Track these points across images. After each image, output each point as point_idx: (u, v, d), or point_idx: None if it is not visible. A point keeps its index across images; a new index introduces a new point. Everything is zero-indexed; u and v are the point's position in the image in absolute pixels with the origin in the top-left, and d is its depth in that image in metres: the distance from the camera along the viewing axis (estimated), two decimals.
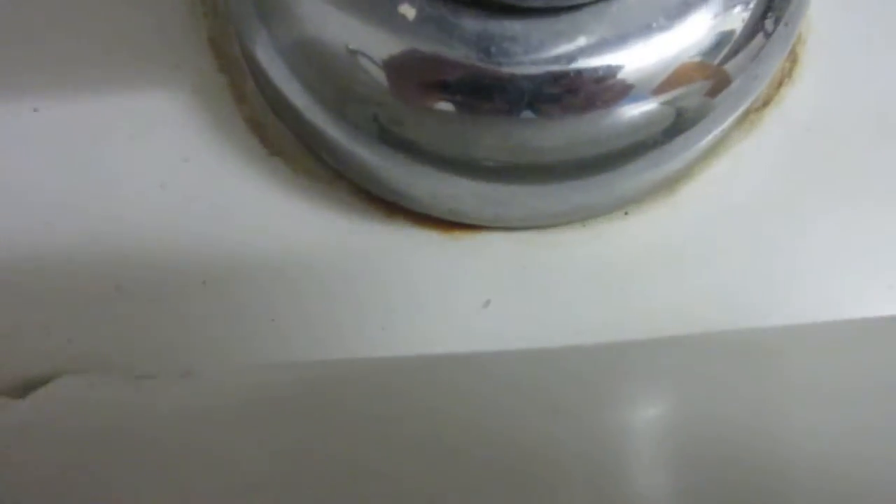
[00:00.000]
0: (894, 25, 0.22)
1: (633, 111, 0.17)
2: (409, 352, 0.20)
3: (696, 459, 0.14)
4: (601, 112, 0.17)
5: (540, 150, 0.17)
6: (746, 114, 0.20)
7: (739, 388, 0.15)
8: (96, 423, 0.13)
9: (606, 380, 0.15)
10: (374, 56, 0.17)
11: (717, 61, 0.17)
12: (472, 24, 0.16)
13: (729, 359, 0.16)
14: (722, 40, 0.17)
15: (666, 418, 0.14)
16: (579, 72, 0.16)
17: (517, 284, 0.20)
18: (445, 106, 0.17)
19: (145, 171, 0.21)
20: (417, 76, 0.17)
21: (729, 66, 0.17)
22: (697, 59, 0.17)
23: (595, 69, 0.16)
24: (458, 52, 0.16)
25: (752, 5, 0.17)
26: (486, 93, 0.17)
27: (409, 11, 0.16)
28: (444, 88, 0.17)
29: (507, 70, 0.16)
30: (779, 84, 0.21)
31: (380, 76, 0.17)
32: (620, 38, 0.16)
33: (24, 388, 0.18)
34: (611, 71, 0.16)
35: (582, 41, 0.16)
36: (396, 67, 0.17)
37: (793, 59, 0.21)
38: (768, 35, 0.17)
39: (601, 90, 0.17)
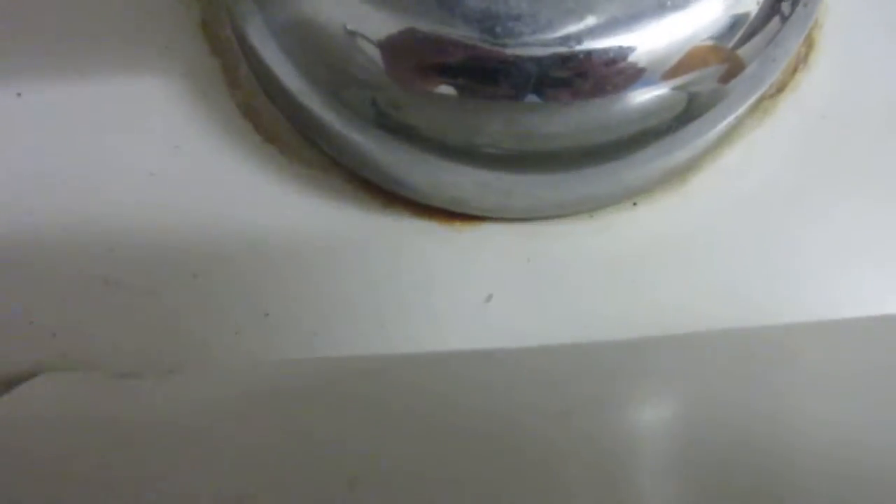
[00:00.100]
0: None
1: (643, 96, 0.16)
2: (408, 348, 0.19)
3: (706, 462, 0.13)
4: (610, 97, 0.16)
5: (546, 136, 0.16)
6: (760, 100, 0.19)
7: (751, 388, 0.14)
8: (76, 422, 0.13)
9: (614, 380, 0.14)
10: (372, 37, 0.16)
11: (731, 45, 0.16)
12: (475, 2, 0.15)
13: (741, 358, 0.15)
14: (736, 22, 0.16)
15: (676, 420, 0.13)
16: (588, 53, 0.16)
17: (521, 278, 0.19)
18: (447, 89, 0.16)
19: (134, 159, 0.20)
20: (417, 58, 0.16)
21: (743, 50, 0.16)
22: (710, 42, 0.16)
23: (605, 51, 0.16)
24: (460, 32, 0.16)
25: None
26: (490, 75, 0.16)
27: None
28: (445, 71, 0.16)
29: (511, 51, 0.15)
30: (794, 69, 0.20)
31: (378, 58, 0.16)
32: (632, 18, 0.15)
33: (7, 383, 0.18)
34: (621, 53, 0.16)
35: (591, 21, 0.15)
36: (395, 49, 0.16)
37: (809, 43, 0.20)
38: (785, 18, 0.17)
39: (611, 73, 0.16)
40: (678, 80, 0.16)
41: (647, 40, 0.16)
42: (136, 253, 0.19)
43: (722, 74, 0.16)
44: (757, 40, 0.16)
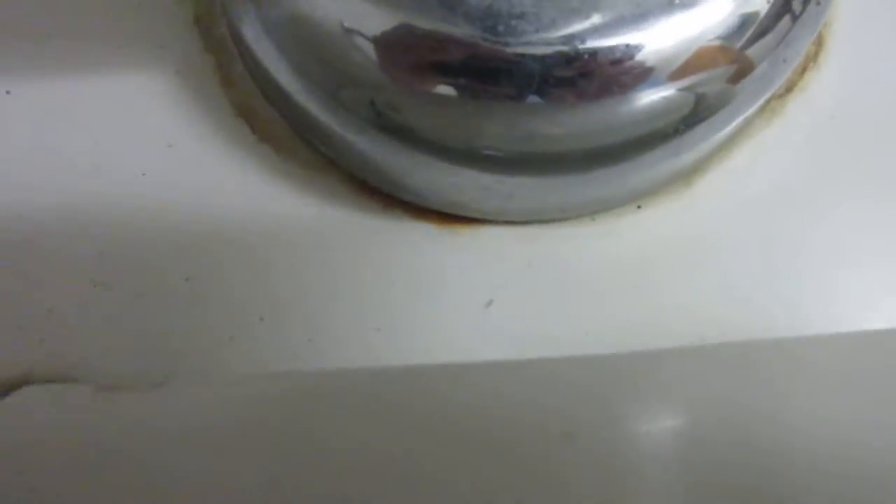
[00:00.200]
0: None
1: (649, 97, 0.15)
2: (405, 355, 0.18)
3: (712, 487, 0.13)
4: (615, 98, 0.15)
5: (549, 138, 0.16)
6: (768, 100, 0.19)
7: (757, 407, 0.14)
8: (59, 437, 0.12)
9: (618, 399, 0.13)
10: (370, 34, 0.16)
11: (740, 45, 0.16)
12: None
13: (745, 375, 0.15)
14: (746, 22, 0.16)
15: (680, 441, 0.13)
16: (593, 53, 0.15)
17: (522, 282, 0.19)
18: (447, 89, 0.16)
19: (126, 159, 0.19)
20: (416, 56, 0.16)
21: (753, 50, 0.16)
22: (719, 42, 0.16)
23: (610, 50, 0.15)
24: (460, 30, 0.15)
25: None
26: (491, 75, 0.15)
27: None
28: (444, 70, 0.15)
29: (513, 50, 0.15)
30: (803, 69, 0.20)
31: (376, 56, 0.16)
32: (638, 17, 0.15)
33: None
34: (627, 52, 0.15)
35: (597, 19, 0.15)
36: (394, 47, 0.16)
37: (818, 42, 0.20)
38: (796, 17, 0.16)
39: (616, 73, 0.15)
40: (685, 81, 0.16)
41: (654, 40, 0.15)
42: (127, 255, 0.19)
43: (730, 75, 0.16)
44: (767, 40, 0.16)
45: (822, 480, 0.14)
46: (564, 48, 0.15)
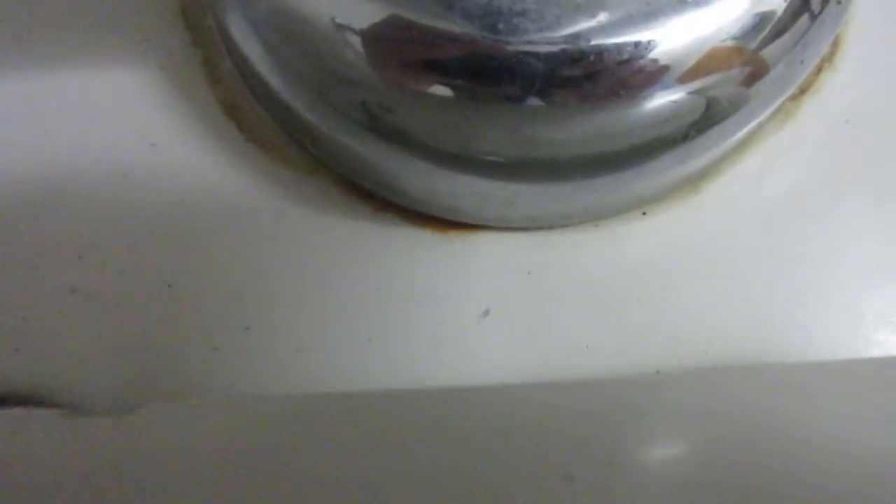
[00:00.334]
0: None
1: (658, 100, 0.15)
2: (397, 366, 0.18)
3: None
4: (622, 101, 0.15)
5: (551, 143, 0.15)
6: (781, 102, 0.18)
7: (761, 439, 0.13)
8: (24, 465, 0.11)
9: (619, 434, 0.13)
10: (363, 31, 0.15)
11: (754, 45, 0.15)
12: None
13: (750, 401, 0.14)
14: (762, 20, 0.15)
15: (683, 472, 0.12)
16: (599, 53, 0.14)
17: (520, 291, 0.18)
18: (442, 90, 0.15)
19: (106, 158, 0.18)
20: (411, 55, 0.15)
21: (768, 51, 0.15)
22: (733, 42, 0.15)
23: (617, 50, 0.14)
24: (458, 28, 0.14)
25: None
26: (490, 75, 0.14)
27: None
28: (441, 69, 0.15)
29: (514, 48, 0.14)
30: (818, 70, 0.19)
31: (368, 54, 0.15)
32: (647, 15, 0.14)
33: None
34: (635, 53, 0.14)
35: (603, 17, 0.14)
36: (387, 44, 0.15)
37: (835, 42, 0.19)
38: (815, 16, 0.15)
39: (623, 75, 0.14)
40: (696, 84, 0.15)
41: (664, 39, 0.14)
42: (106, 260, 0.18)
43: (744, 77, 0.15)
44: (784, 40, 0.15)
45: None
46: (568, 47, 0.14)
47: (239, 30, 0.16)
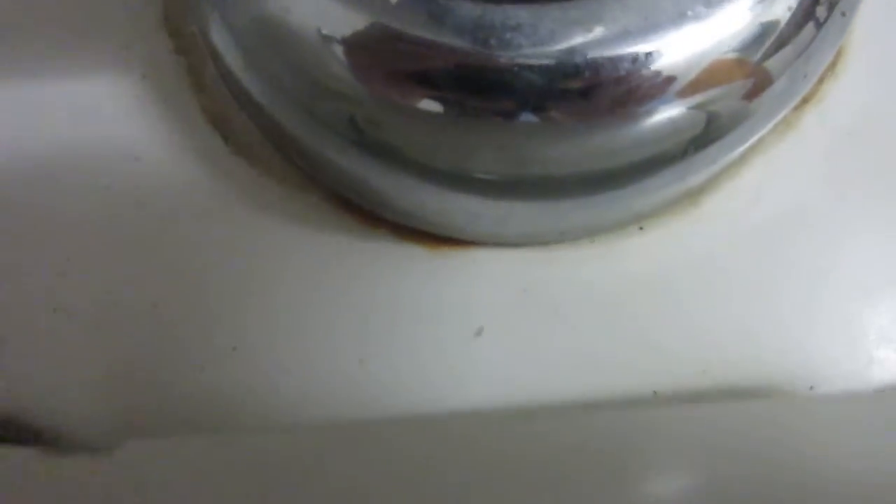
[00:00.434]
0: None
1: (656, 116, 0.14)
2: (389, 387, 0.17)
3: None
4: (618, 117, 0.14)
5: (545, 161, 0.14)
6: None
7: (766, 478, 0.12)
8: None
9: (620, 477, 0.12)
10: (350, 43, 0.14)
11: (757, 57, 0.14)
12: (468, 7, 0.13)
13: (753, 441, 0.13)
14: (764, 32, 0.14)
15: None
16: (594, 67, 0.14)
17: (515, 309, 0.18)
18: (432, 105, 0.14)
19: (87, 171, 0.18)
20: (400, 68, 0.14)
21: (771, 64, 0.14)
22: (734, 54, 0.14)
23: (613, 64, 0.14)
24: (449, 41, 0.14)
25: None
26: (482, 90, 0.14)
27: None
28: (430, 83, 0.14)
29: (506, 62, 0.13)
30: (820, 79, 0.18)
31: (356, 68, 0.14)
32: (645, 29, 0.13)
33: None
34: (632, 67, 0.14)
35: (599, 31, 0.13)
36: (376, 57, 0.14)
37: (837, 51, 0.18)
38: (820, 25, 0.15)
39: (619, 90, 0.14)
40: (697, 98, 0.14)
41: (662, 53, 0.14)
42: (88, 278, 0.17)
43: (747, 91, 0.15)
44: (787, 52, 0.14)
45: None
46: (564, 61, 0.13)
47: (221, 40, 0.16)
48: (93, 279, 0.17)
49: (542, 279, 0.18)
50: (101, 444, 0.17)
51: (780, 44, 0.14)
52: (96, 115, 0.18)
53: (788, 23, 0.14)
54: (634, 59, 0.14)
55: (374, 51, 0.14)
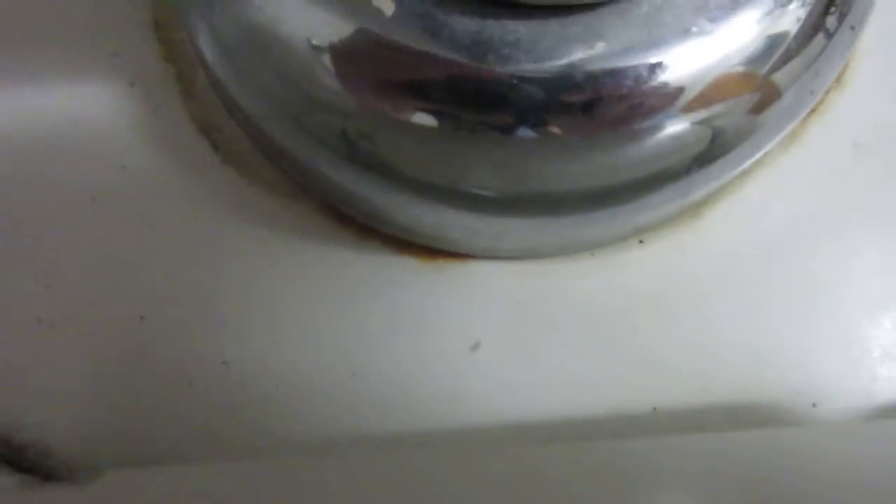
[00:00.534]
0: None
1: (659, 132, 0.14)
2: (383, 402, 0.17)
3: None
4: (620, 133, 0.14)
5: (543, 177, 0.14)
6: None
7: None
8: None
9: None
10: (342, 55, 0.14)
11: (764, 71, 0.14)
12: (465, 21, 0.13)
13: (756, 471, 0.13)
14: (772, 44, 0.14)
15: None
16: (594, 81, 0.13)
17: (512, 323, 0.17)
18: (426, 119, 0.14)
19: (73, 181, 0.17)
20: (393, 81, 0.14)
21: (779, 77, 0.14)
22: (741, 67, 0.14)
23: (614, 78, 0.13)
24: (443, 54, 0.13)
25: (810, 2, 0.14)
26: (478, 103, 0.13)
27: (386, 3, 0.13)
28: (427, 97, 0.14)
29: (505, 77, 0.13)
30: (825, 91, 0.18)
31: (348, 80, 0.14)
32: (648, 43, 0.13)
33: None
34: (634, 82, 0.13)
35: (602, 46, 0.13)
36: (368, 70, 0.14)
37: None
38: (830, 37, 0.14)
39: (621, 106, 0.13)
40: (701, 113, 0.14)
41: (666, 67, 0.13)
42: (74, 290, 0.17)
43: (753, 105, 0.14)
44: (795, 65, 0.14)
45: None
46: (563, 75, 0.13)
47: (209, 48, 0.15)
48: (77, 290, 0.17)
49: (540, 292, 0.17)
50: (86, 458, 0.16)
51: (789, 56, 0.14)
52: (82, 123, 0.18)
53: (797, 35, 0.14)
54: (636, 73, 0.13)
55: (366, 62, 0.14)
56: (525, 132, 0.13)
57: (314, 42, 0.14)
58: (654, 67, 0.13)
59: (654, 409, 0.17)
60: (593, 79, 0.13)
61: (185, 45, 0.18)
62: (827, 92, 0.18)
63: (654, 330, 0.17)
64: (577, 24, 0.12)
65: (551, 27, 0.12)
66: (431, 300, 0.17)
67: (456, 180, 0.14)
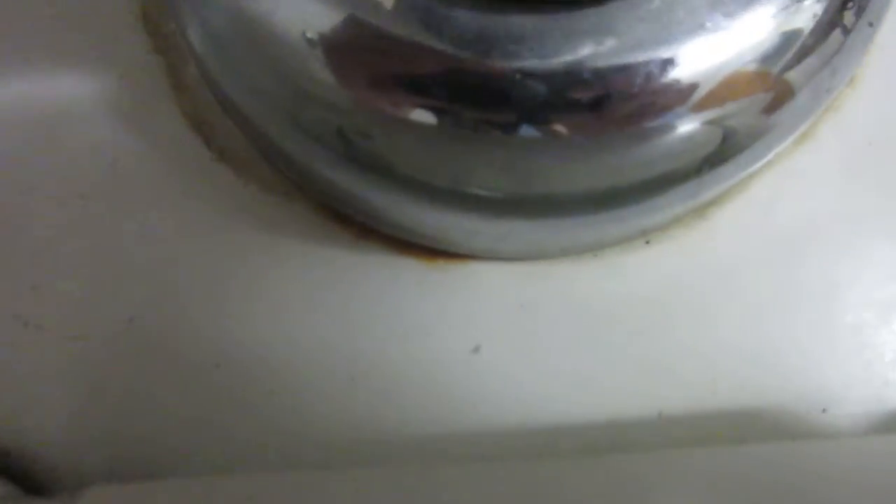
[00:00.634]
0: None
1: (668, 132, 0.13)
2: (381, 407, 0.16)
3: None
4: (628, 132, 0.13)
5: (548, 178, 0.14)
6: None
7: None
8: None
9: None
10: (339, 49, 0.13)
11: (779, 68, 0.13)
12: (467, 14, 0.12)
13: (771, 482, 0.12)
14: (788, 41, 0.13)
15: None
16: (600, 78, 0.13)
17: (513, 326, 0.17)
18: (426, 116, 0.13)
19: (61, 178, 0.17)
20: (392, 77, 0.13)
21: (793, 75, 0.13)
22: (754, 65, 0.13)
23: (623, 76, 0.13)
24: (445, 48, 0.12)
25: None
26: (479, 100, 0.13)
27: None
28: (427, 94, 0.13)
29: (507, 71, 0.12)
30: None
31: (344, 76, 0.13)
32: (658, 40, 0.12)
33: None
34: (643, 79, 0.13)
35: (610, 42, 0.12)
36: (366, 65, 0.13)
37: None
38: (847, 33, 0.14)
39: (629, 104, 0.13)
40: (712, 113, 0.13)
41: (676, 64, 0.13)
42: (62, 292, 0.16)
43: (766, 104, 0.14)
44: (810, 63, 0.13)
45: None
46: (569, 72, 0.12)
47: (200, 41, 0.15)
48: (66, 291, 0.16)
49: (543, 294, 0.17)
50: (73, 465, 0.16)
51: (804, 54, 0.13)
52: (70, 118, 0.17)
53: (814, 31, 0.13)
54: (647, 70, 0.13)
55: (363, 56, 0.13)
56: (529, 131, 0.13)
57: (309, 35, 0.13)
58: (666, 64, 0.12)
59: (660, 413, 0.16)
60: (601, 75, 0.12)
61: (175, 37, 0.17)
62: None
63: (660, 333, 0.17)
64: (585, 18, 0.12)
65: (559, 21, 0.12)
66: (432, 302, 0.17)
67: (457, 180, 0.14)
